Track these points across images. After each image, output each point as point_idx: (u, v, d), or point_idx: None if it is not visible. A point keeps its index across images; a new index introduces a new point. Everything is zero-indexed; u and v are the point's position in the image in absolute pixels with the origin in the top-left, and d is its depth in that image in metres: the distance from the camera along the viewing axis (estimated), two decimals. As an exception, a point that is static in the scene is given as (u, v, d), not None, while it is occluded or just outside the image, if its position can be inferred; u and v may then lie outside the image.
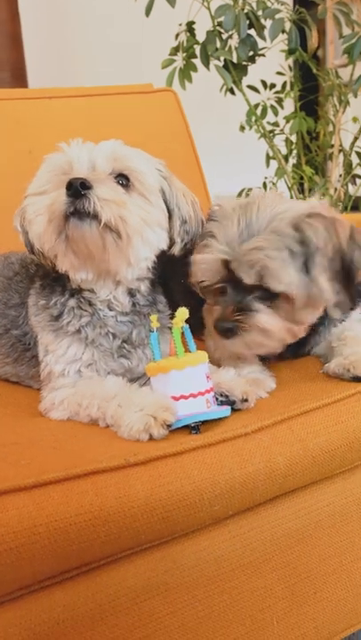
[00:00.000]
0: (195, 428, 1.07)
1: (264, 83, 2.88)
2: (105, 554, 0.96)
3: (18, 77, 4.35)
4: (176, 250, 1.26)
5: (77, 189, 1.09)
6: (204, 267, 1.22)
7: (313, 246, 1.16)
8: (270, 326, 1.18)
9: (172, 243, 1.25)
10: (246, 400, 1.14)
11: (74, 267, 1.18)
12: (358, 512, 1.20)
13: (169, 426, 1.04)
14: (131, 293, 1.25)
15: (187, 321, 1.12)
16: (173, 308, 1.64)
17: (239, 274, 1.17)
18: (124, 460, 0.97)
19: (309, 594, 1.16)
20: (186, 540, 1.03)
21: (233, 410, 1.13)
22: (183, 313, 1.11)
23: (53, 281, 1.25)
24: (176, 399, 1.08)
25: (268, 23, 2.54)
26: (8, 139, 1.91)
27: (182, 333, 1.12)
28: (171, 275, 1.70)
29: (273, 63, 2.85)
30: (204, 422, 1.08)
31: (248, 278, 1.16)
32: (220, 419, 1.10)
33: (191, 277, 1.25)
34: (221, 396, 1.13)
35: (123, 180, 1.17)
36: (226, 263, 1.18)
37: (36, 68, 4.26)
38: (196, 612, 1.04)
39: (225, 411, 1.11)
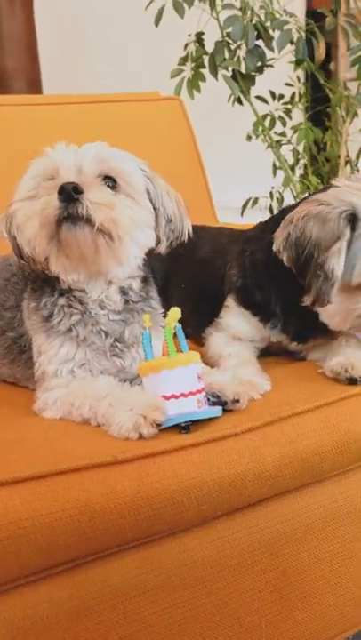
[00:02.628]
0: (185, 427, 1.07)
1: (273, 93, 2.89)
2: (91, 550, 0.96)
3: (33, 86, 4.40)
4: (162, 248, 1.27)
5: (70, 194, 1.11)
6: None
7: None
8: None
9: (158, 241, 1.26)
10: (238, 401, 1.14)
11: (66, 269, 1.19)
12: (350, 516, 1.20)
13: (159, 425, 1.04)
14: (123, 291, 1.26)
15: (179, 321, 1.13)
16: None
17: None
18: (111, 457, 0.98)
19: (299, 598, 1.15)
20: (173, 540, 1.03)
21: (224, 410, 1.13)
22: (176, 313, 1.12)
23: (43, 282, 1.26)
24: (167, 398, 1.08)
25: (276, 34, 2.55)
26: (13, 145, 1.93)
27: (175, 333, 1.12)
28: (170, 279, 1.71)
29: (282, 74, 2.86)
30: (194, 422, 1.08)
31: None
32: (210, 419, 1.10)
33: None
34: (213, 396, 1.13)
35: (110, 181, 1.19)
36: None
37: (51, 77, 4.30)
38: (182, 612, 1.04)
39: (216, 411, 1.11)
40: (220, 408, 1.12)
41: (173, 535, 1.03)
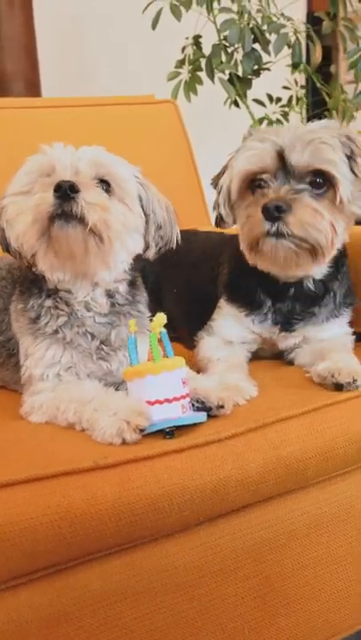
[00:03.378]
0: (169, 432, 1.07)
1: (270, 96, 2.89)
2: (72, 555, 0.96)
3: (31, 88, 4.40)
4: (150, 254, 1.28)
5: (66, 192, 1.11)
6: (255, 153, 1.29)
7: (357, 148, 1.28)
8: (320, 208, 1.24)
9: (146, 247, 1.27)
10: (222, 406, 1.14)
11: (52, 267, 1.20)
12: (334, 523, 1.20)
13: (142, 430, 1.04)
14: (109, 295, 1.27)
15: (167, 325, 1.13)
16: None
17: (292, 154, 1.25)
18: (93, 463, 0.98)
19: (282, 604, 1.15)
20: (155, 546, 1.03)
21: (209, 416, 1.13)
22: (161, 318, 1.12)
23: (31, 283, 1.27)
24: (151, 404, 1.08)
25: (273, 38, 2.56)
26: (8, 148, 1.93)
27: (160, 338, 1.12)
28: (162, 284, 1.72)
29: (280, 77, 2.86)
30: (178, 427, 1.08)
31: (301, 158, 1.24)
32: (195, 424, 1.10)
33: (233, 171, 1.34)
34: (197, 401, 1.13)
35: (104, 185, 1.19)
36: (279, 151, 1.26)
37: (50, 79, 4.31)
38: (164, 617, 1.04)
39: (200, 416, 1.11)
40: (204, 414, 1.12)
41: (155, 541, 1.03)
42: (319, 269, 1.38)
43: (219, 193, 1.40)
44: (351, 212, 1.31)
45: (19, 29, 4.20)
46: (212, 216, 1.47)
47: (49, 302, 1.24)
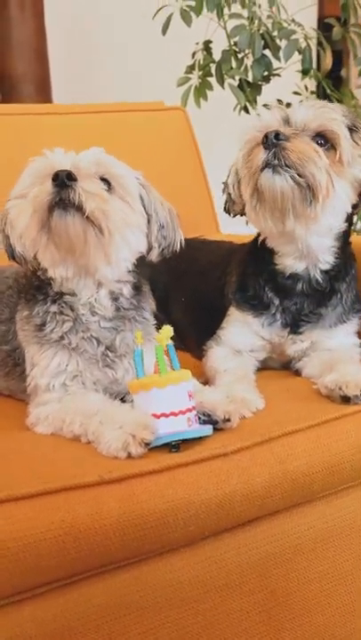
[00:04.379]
0: (175, 446, 1.07)
1: (280, 102, 2.88)
2: (76, 570, 0.96)
3: (42, 91, 4.41)
4: (154, 255, 1.28)
5: (63, 180, 1.12)
6: (262, 119, 1.33)
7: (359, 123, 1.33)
8: (319, 151, 1.26)
9: (149, 248, 1.27)
10: (228, 420, 1.13)
11: (54, 261, 1.19)
12: (340, 537, 1.19)
13: (147, 444, 1.04)
14: (114, 297, 1.26)
15: (172, 337, 1.13)
16: (172, 326, 1.66)
17: (296, 114, 1.29)
18: (98, 477, 0.98)
19: (288, 618, 1.15)
20: (160, 560, 1.03)
21: (215, 429, 1.12)
22: (167, 331, 1.12)
23: (36, 290, 1.27)
24: (157, 417, 1.07)
25: (283, 43, 2.55)
26: (18, 154, 1.93)
27: (167, 350, 1.12)
28: (170, 293, 1.72)
29: (291, 83, 2.85)
30: (184, 441, 1.07)
31: (305, 116, 1.29)
32: (201, 437, 1.09)
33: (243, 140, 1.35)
34: (204, 415, 1.13)
35: (105, 184, 1.20)
36: (284, 117, 1.30)
37: (61, 81, 4.32)
38: (169, 632, 1.04)
39: (206, 430, 1.10)
40: (210, 427, 1.11)
41: (160, 555, 1.03)
42: (323, 243, 1.38)
43: (228, 176, 1.42)
44: (353, 178, 1.33)
45: (30, 33, 4.22)
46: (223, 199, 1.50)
47: (54, 308, 1.24)
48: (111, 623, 0.99)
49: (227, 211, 1.46)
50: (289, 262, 1.39)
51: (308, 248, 1.36)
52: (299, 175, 1.24)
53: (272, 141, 1.24)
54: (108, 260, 1.21)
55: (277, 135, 1.24)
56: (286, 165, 1.24)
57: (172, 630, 1.04)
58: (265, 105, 2.74)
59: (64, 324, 1.24)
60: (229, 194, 1.42)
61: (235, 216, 1.46)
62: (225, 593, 1.09)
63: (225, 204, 1.46)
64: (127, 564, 1.00)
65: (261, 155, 1.25)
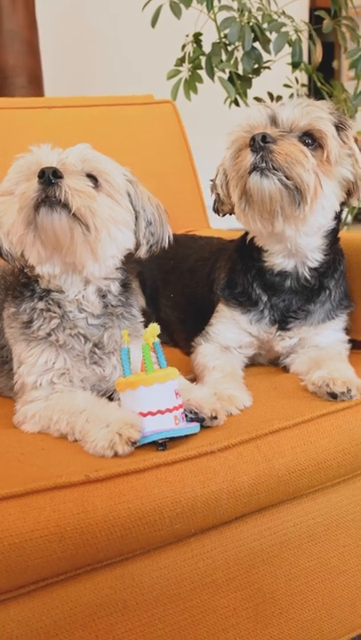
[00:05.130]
0: (162, 444, 1.07)
1: (271, 95, 2.87)
2: (62, 569, 0.96)
3: (34, 83, 4.39)
4: (142, 252, 1.28)
5: (49, 177, 1.12)
6: (248, 118, 1.32)
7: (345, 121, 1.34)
8: (306, 151, 1.26)
9: (137, 245, 1.27)
10: (215, 417, 1.14)
11: (41, 258, 1.19)
12: (326, 533, 1.20)
13: (134, 443, 1.04)
14: (101, 294, 1.27)
15: (159, 335, 1.13)
16: (161, 323, 1.66)
17: (282, 113, 1.29)
18: (84, 476, 0.98)
19: (275, 614, 1.15)
20: (146, 558, 1.03)
21: (202, 427, 1.13)
22: (154, 329, 1.12)
23: (23, 287, 1.27)
24: (144, 415, 1.08)
25: (273, 36, 2.54)
26: (6, 149, 1.92)
27: (153, 349, 1.12)
28: (160, 290, 1.72)
29: (282, 75, 2.84)
30: (171, 439, 1.08)
31: (291, 114, 1.29)
32: (188, 435, 1.10)
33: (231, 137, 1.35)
34: (191, 412, 1.13)
35: (91, 180, 1.20)
36: (271, 115, 1.30)
37: (53, 74, 4.30)
38: (156, 630, 1.04)
39: (193, 428, 1.11)
40: (197, 425, 1.12)
41: (147, 553, 1.03)
42: (312, 242, 1.38)
43: (215, 176, 1.42)
44: (341, 176, 1.33)
45: (21, 24, 4.19)
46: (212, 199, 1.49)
47: (41, 305, 1.24)
48: (98, 622, 1.00)
49: (216, 210, 1.46)
50: (277, 260, 1.39)
51: (296, 247, 1.36)
52: (286, 177, 1.24)
53: (259, 144, 1.23)
54: (95, 257, 1.20)
55: (264, 138, 1.23)
56: (274, 168, 1.24)
57: (159, 627, 1.05)
58: (256, 98, 2.74)
59: (51, 321, 1.23)
60: (218, 194, 1.42)
61: (223, 215, 1.46)
62: (212, 590, 1.09)
63: (214, 203, 1.45)
64: (114, 562, 1.01)
65: (249, 157, 1.25)
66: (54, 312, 1.24)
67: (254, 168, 1.25)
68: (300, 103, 1.31)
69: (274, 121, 1.29)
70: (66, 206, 1.13)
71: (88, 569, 0.99)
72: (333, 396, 1.22)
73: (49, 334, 1.23)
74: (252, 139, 1.24)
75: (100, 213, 1.18)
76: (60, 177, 1.13)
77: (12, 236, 1.19)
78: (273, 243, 1.37)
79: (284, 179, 1.24)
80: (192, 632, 1.08)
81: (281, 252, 1.37)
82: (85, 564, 0.98)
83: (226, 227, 2.05)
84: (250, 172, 1.25)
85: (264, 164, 1.24)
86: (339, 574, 1.21)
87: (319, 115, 1.29)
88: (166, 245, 1.32)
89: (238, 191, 1.30)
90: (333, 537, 1.20)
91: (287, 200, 1.26)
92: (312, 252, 1.38)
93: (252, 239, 1.41)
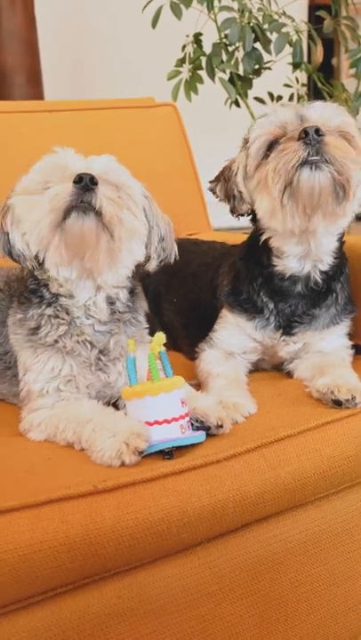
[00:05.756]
0: (168, 453, 1.08)
1: (271, 94, 2.87)
2: (70, 579, 0.97)
3: (33, 82, 4.39)
4: (152, 265, 1.29)
5: (87, 184, 1.14)
6: (277, 115, 1.32)
7: None
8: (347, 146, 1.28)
9: (148, 258, 1.28)
10: (221, 426, 1.14)
11: (61, 261, 1.20)
12: (331, 540, 1.20)
13: (141, 452, 1.05)
14: (110, 301, 1.27)
15: (165, 344, 1.13)
16: (164, 327, 1.67)
17: (311, 113, 1.29)
18: (92, 487, 0.99)
19: (280, 620, 1.16)
20: (154, 567, 1.04)
21: (208, 435, 1.13)
22: (160, 338, 1.13)
23: (31, 293, 1.27)
24: (150, 424, 1.08)
25: (274, 36, 2.54)
26: (7, 152, 1.93)
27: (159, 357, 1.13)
28: (163, 294, 1.72)
29: (282, 75, 2.84)
30: (177, 448, 1.08)
31: (322, 115, 1.29)
32: (194, 444, 1.10)
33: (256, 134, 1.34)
34: (197, 421, 1.14)
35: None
36: (299, 113, 1.30)
37: (52, 73, 4.30)
38: (163, 638, 1.05)
39: (199, 436, 1.11)
40: (203, 433, 1.12)
41: (154, 562, 1.04)
42: (331, 244, 1.39)
43: (235, 174, 1.39)
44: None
45: (20, 23, 4.19)
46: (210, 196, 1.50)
47: (49, 311, 1.24)
48: (106, 630, 1.00)
49: (233, 211, 1.43)
50: (291, 263, 1.38)
51: (317, 248, 1.36)
52: (337, 172, 1.24)
53: (313, 137, 1.23)
54: (114, 265, 1.22)
55: (318, 130, 1.23)
56: (326, 161, 1.24)
57: (166, 636, 1.05)
58: (256, 98, 2.75)
59: (59, 328, 1.24)
60: (240, 192, 1.39)
61: (238, 216, 1.44)
62: (218, 597, 1.10)
63: (231, 203, 1.42)
64: (121, 571, 1.01)
65: (301, 151, 1.23)
66: (62, 319, 1.24)
67: (305, 161, 1.24)
68: (326, 105, 1.32)
69: (301, 119, 1.29)
70: (98, 213, 1.15)
71: (96, 578, 1.00)
72: (338, 403, 1.23)
73: (56, 341, 1.24)
74: (305, 131, 1.23)
75: (126, 224, 1.20)
76: (96, 184, 1.14)
77: (35, 236, 1.19)
78: (295, 243, 1.36)
79: (334, 172, 1.24)
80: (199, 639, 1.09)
81: (298, 254, 1.37)
82: (94, 573, 0.99)
83: (226, 223, 2.05)
84: (300, 165, 1.24)
85: (318, 157, 1.23)
86: (344, 580, 1.22)
87: (347, 118, 1.31)
88: (172, 261, 1.33)
89: (280, 185, 1.27)
90: (338, 543, 1.21)
91: (332, 195, 1.26)
92: (327, 255, 1.39)
93: (265, 241, 1.40)
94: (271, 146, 1.32)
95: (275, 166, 1.27)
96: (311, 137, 1.23)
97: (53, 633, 0.97)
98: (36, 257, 1.21)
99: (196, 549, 1.08)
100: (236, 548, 1.11)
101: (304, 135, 1.23)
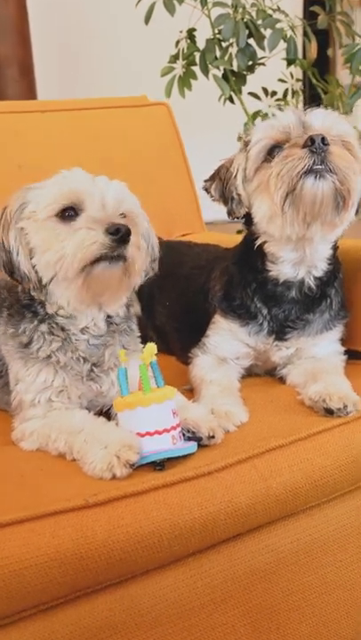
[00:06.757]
0: (160, 464, 1.08)
1: (265, 90, 2.86)
2: (62, 593, 0.97)
3: (25, 73, 4.37)
4: (139, 282, 1.29)
5: (123, 237, 1.13)
6: (279, 120, 1.32)
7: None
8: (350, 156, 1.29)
9: None
10: (213, 437, 1.14)
11: (75, 301, 1.20)
12: (323, 548, 1.21)
13: (132, 465, 1.05)
14: (109, 319, 1.27)
15: (157, 341, 1.14)
16: (156, 331, 1.66)
17: (313, 120, 1.30)
18: (83, 501, 0.99)
19: (272, 629, 1.17)
20: (145, 579, 1.04)
21: (199, 446, 1.13)
22: (151, 349, 1.12)
23: (23, 307, 1.26)
24: (142, 436, 1.08)
25: (268, 32, 2.52)
26: (1, 152, 1.92)
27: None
28: (155, 297, 1.72)
29: (276, 70, 2.83)
30: (169, 459, 1.08)
31: (324, 123, 1.30)
32: (185, 455, 1.10)
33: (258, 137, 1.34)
34: (188, 432, 1.14)
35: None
36: (301, 118, 1.30)
37: (44, 66, 4.27)
38: (155, 649, 1.06)
39: (191, 447, 1.11)
40: (195, 444, 1.12)
41: (145, 574, 1.04)
42: (325, 251, 1.39)
43: (234, 176, 1.38)
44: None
45: (12, 15, 4.17)
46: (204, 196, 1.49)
47: (43, 327, 1.23)
48: (98, 644, 1.01)
49: (230, 213, 1.41)
50: (286, 269, 1.38)
51: (312, 255, 1.36)
52: (340, 182, 1.24)
53: (320, 145, 1.22)
54: (125, 296, 1.26)
55: (324, 139, 1.22)
56: (330, 170, 1.23)
57: (158, 647, 1.06)
58: (250, 93, 2.73)
59: (52, 344, 1.23)
60: (239, 195, 1.38)
61: (235, 219, 1.43)
62: (210, 608, 1.10)
63: (229, 205, 1.40)
64: (113, 584, 1.02)
65: (306, 159, 1.23)
66: (57, 335, 1.23)
67: (310, 169, 1.23)
68: (327, 113, 1.32)
69: (302, 125, 1.29)
70: (124, 259, 1.16)
71: (88, 591, 1.00)
72: (330, 411, 1.23)
73: (49, 356, 1.23)
74: (311, 139, 1.22)
75: (139, 260, 1.21)
76: (130, 234, 1.14)
77: (51, 271, 1.18)
78: (290, 250, 1.36)
79: (337, 182, 1.24)
80: (191, 650, 1.09)
81: (293, 259, 1.37)
82: (85, 587, 0.99)
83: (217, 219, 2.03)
84: (305, 173, 1.23)
85: (323, 166, 1.23)
86: (335, 588, 1.23)
87: (348, 128, 1.31)
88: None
89: (282, 191, 1.26)
90: (330, 552, 1.22)
91: (333, 205, 1.26)
92: (321, 261, 1.39)
93: (260, 246, 1.39)
94: (272, 150, 1.31)
95: (278, 172, 1.26)
96: (318, 145, 1.23)
97: (45, 647, 0.97)
98: (40, 280, 1.20)
99: (187, 560, 1.08)
100: (227, 559, 1.11)
101: (310, 143, 1.23)
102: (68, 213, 1.17)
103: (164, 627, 1.06)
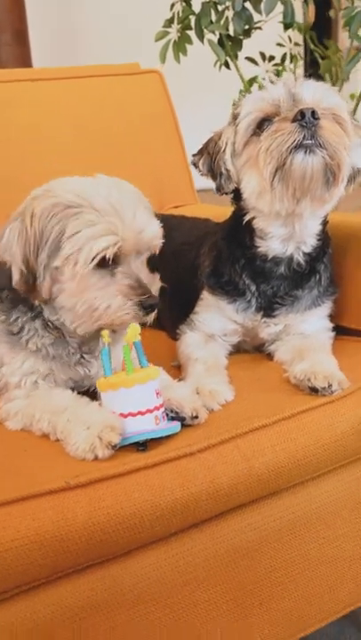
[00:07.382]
0: (142, 445, 1.08)
1: (263, 54, 2.80)
2: (43, 575, 0.98)
3: (19, 39, 4.30)
4: None
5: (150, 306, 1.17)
6: (269, 92, 1.30)
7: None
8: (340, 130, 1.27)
9: None
10: (196, 417, 1.14)
11: (79, 324, 1.19)
12: (306, 526, 1.21)
13: (114, 446, 1.05)
14: None
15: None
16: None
17: (304, 93, 1.27)
18: (64, 483, 0.99)
19: (255, 605, 1.18)
20: (127, 559, 1.05)
21: (183, 426, 1.13)
22: (135, 329, 1.12)
23: (18, 301, 1.23)
24: (124, 416, 1.08)
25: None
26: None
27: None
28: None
29: (274, 34, 2.77)
30: (152, 439, 1.08)
31: (314, 95, 1.27)
32: (168, 435, 1.10)
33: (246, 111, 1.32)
34: (172, 412, 1.14)
35: None
36: (291, 91, 1.28)
37: (38, 29, 4.20)
38: (137, 627, 1.07)
39: (174, 427, 1.11)
40: (178, 424, 1.12)
41: (128, 554, 1.05)
42: (314, 227, 1.38)
43: (223, 150, 1.36)
44: (350, 165, 1.32)
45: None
46: (197, 174, 1.48)
47: (38, 324, 1.22)
48: (80, 622, 1.02)
49: (219, 189, 1.39)
50: (275, 245, 1.37)
51: (301, 231, 1.35)
52: (330, 157, 1.23)
53: (310, 119, 1.20)
54: None
55: (314, 113, 1.20)
56: (320, 145, 1.22)
57: (140, 625, 1.07)
58: (247, 58, 2.68)
59: (44, 339, 1.23)
60: (228, 170, 1.35)
61: (222, 194, 1.41)
62: (193, 586, 1.11)
63: (218, 181, 1.38)
64: (95, 564, 1.03)
65: (296, 133, 1.21)
66: (51, 333, 1.22)
67: (300, 144, 1.22)
68: (317, 85, 1.30)
69: (292, 98, 1.26)
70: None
71: (69, 572, 1.01)
72: (315, 390, 1.22)
73: (39, 349, 1.23)
74: (301, 113, 1.20)
75: None
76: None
77: (69, 312, 1.18)
78: (279, 225, 1.35)
79: (327, 157, 1.22)
80: (173, 627, 1.10)
81: (282, 235, 1.36)
82: (66, 568, 0.99)
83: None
84: (295, 148, 1.22)
85: (312, 141, 1.21)
86: (318, 564, 1.24)
87: (339, 101, 1.29)
88: None
89: (271, 166, 1.25)
90: (313, 529, 1.22)
91: (322, 180, 1.25)
92: (310, 237, 1.38)
93: (249, 221, 1.38)
94: (261, 123, 1.29)
95: (267, 147, 1.25)
96: (308, 119, 1.20)
97: (27, 627, 0.98)
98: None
99: (169, 540, 1.08)
100: (210, 538, 1.12)
101: (300, 117, 1.21)
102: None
103: (146, 604, 1.07)
